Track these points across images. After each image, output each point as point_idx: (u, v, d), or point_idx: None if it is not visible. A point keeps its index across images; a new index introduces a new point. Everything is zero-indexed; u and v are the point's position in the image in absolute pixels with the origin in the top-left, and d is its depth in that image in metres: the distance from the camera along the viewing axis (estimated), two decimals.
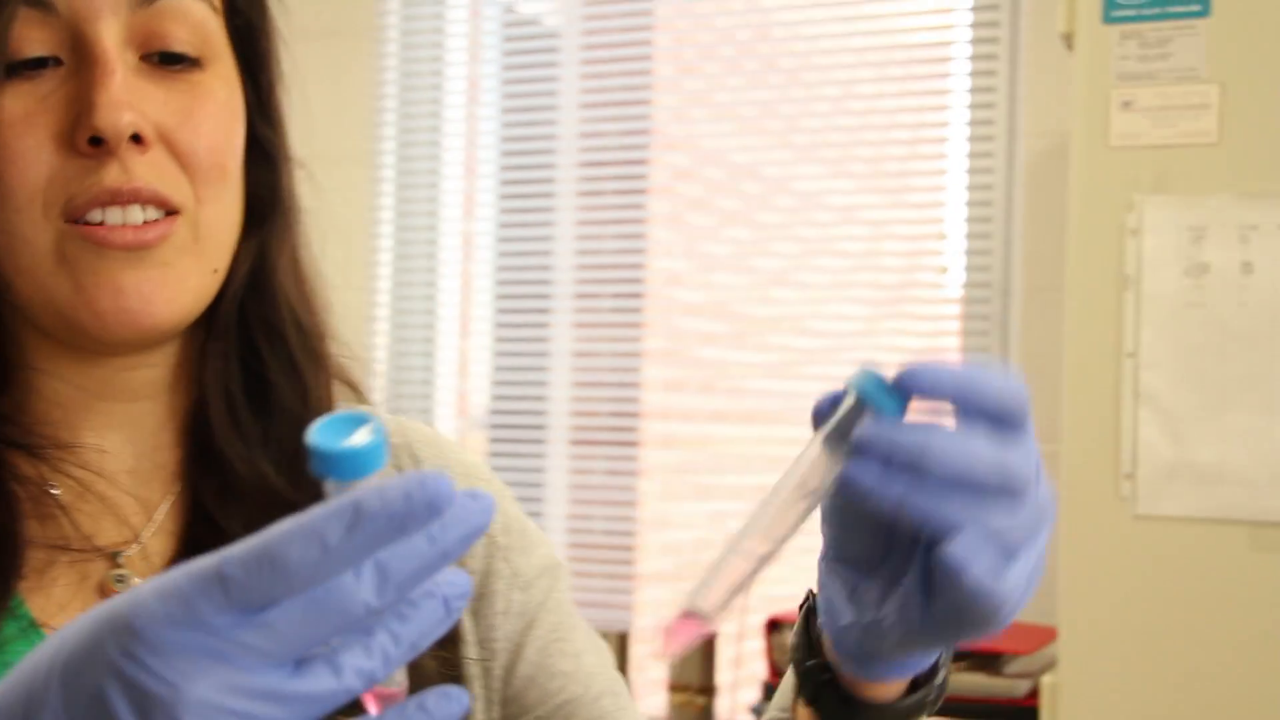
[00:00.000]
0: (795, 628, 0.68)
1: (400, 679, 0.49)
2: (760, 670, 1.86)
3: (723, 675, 1.96)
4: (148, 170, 0.67)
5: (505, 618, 0.80)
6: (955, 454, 0.53)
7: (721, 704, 1.96)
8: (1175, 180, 1.56)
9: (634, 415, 2.49)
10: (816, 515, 0.58)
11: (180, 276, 0.68)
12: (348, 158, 2.52)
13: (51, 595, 0.69)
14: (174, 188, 0.68)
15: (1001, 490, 0.54)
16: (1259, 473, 1.52)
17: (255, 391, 0.75)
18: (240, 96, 0.72)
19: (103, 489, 0.72)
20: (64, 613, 0.69)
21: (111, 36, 0.66)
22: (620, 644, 1.94)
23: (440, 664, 0.74)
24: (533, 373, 2.50)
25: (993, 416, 0.54)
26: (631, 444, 2.47)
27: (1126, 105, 1.59)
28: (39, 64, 0.66)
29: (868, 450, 0.53)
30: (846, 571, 0.60)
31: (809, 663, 0.66)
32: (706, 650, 1.90)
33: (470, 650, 0.78)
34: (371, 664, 0.45)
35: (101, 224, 0.66)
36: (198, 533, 0.73)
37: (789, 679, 0.70)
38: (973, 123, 2.21)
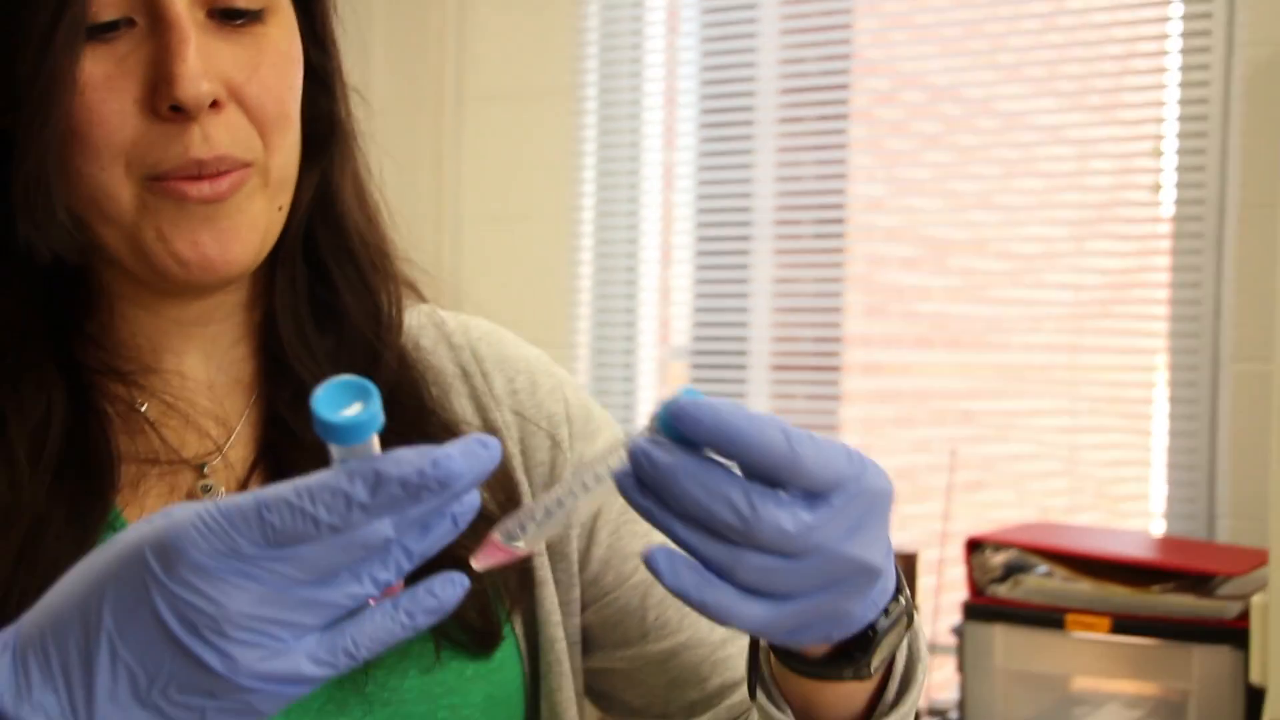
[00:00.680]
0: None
1: None
2: (961, 592, 1.87)
3: (924, 600, 1.97)
4: (224, 132, 0.70)
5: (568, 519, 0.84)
6: (694, 495, 0.53)
7: (924, 627, 1.98)
8: None
9: (835, 340, 2.50)
10: None
11: (252, 221, 0.72)
12: (550, 91, 2.58)
13: (145, 506, 0.74)
14: (247, 145, 0.71)
15: (747, 540, 0.54)
16: None
17: (322, 309, 0.79)
18: (297, 34, 0.75)
19: (185, 405, 0.77)
20: None
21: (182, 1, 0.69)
22: None
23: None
24: (734, 299, 2.53)
25: (766, 471, 0.54)
26: (833, 369, 2.49)
27: None
28: (113, 26, 0.68)
29: (636, 463, 0.55)
30: None
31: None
32: (907, 570, 1.92)
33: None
34: (388, 574, 0.52)
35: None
36: (274, 439, 0.78)
37: None
38: (1187, 34, 2.13)
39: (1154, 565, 1.76)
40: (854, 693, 0.67)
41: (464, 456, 0.51)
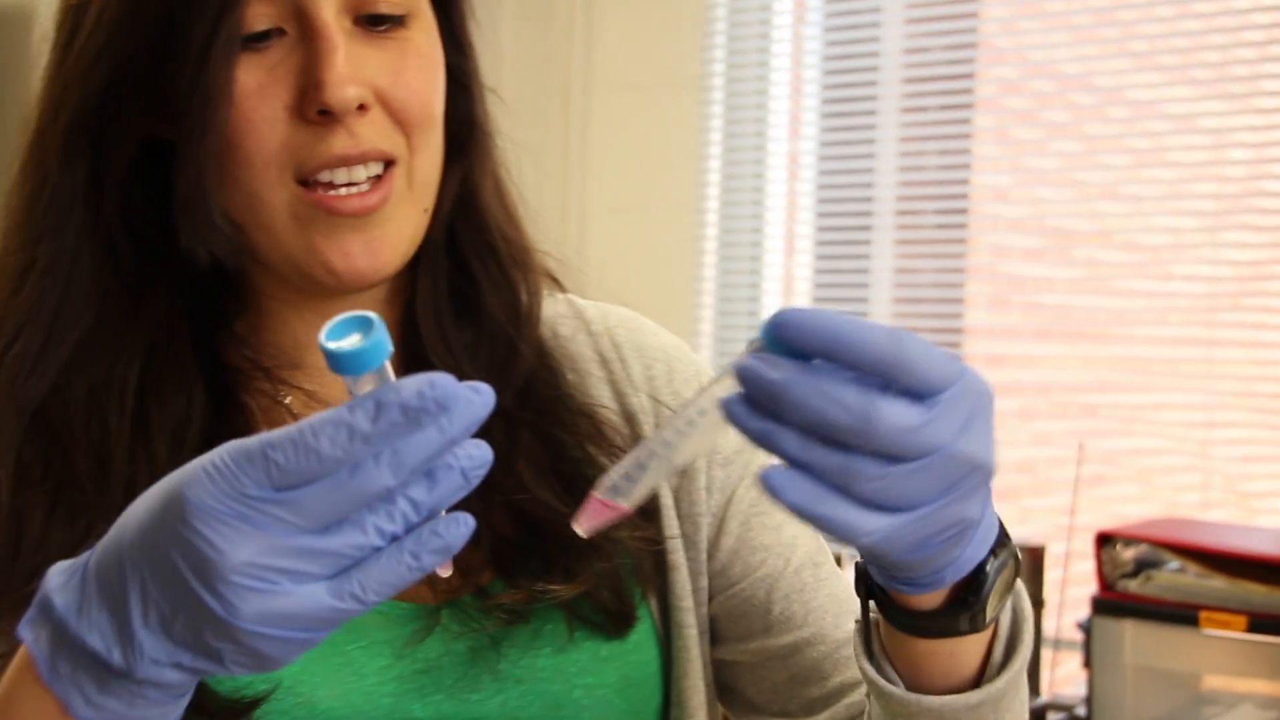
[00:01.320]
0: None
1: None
2: (1087, 587, 1.86)
3: (1051, 594, 1.96)
4: (369, 130, 0.72)
5: (707, 493, 0.83)
6: (809, 401, 0.52)
7: (1049, 621, 1.96)
8: None
9: (957, 331, 2.48)
10: None
11: (399, 227, 0.74)
12: (676, 81, 2.59)
13: None
14: (391, 142, 0.73)
15: (866, 443, 0.52)
16: None
17: (462, 303, 0.81)
18: (438, 38, 0.76)
19: (326, 396, 0.78)
20: None
21: (330, 9, 0.71)
22: None
23: (642, 540, 0.79)
24: (854, 290, 2.53)
25: (878, 374, 0.53)
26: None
27: None
28: (265, 36, 0.71)
29: (742, 381, 0.53)
30: None
31: (855, 560, 0.66)
32: (1034, 564, 1.91)
33: (672, 525, 0.81)
34: (393, 526, 0.52)
35: (330, 184, 0.72)
36: None
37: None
38: None
39: None
40: (964, 654, 0.66)
41: (461, 388, 0.51)
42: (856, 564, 0.66)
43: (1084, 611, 1.84)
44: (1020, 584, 0.66)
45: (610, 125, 2.63)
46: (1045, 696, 1.93)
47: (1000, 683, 0.66)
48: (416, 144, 0.74)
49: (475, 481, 0.53)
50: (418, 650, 0.74)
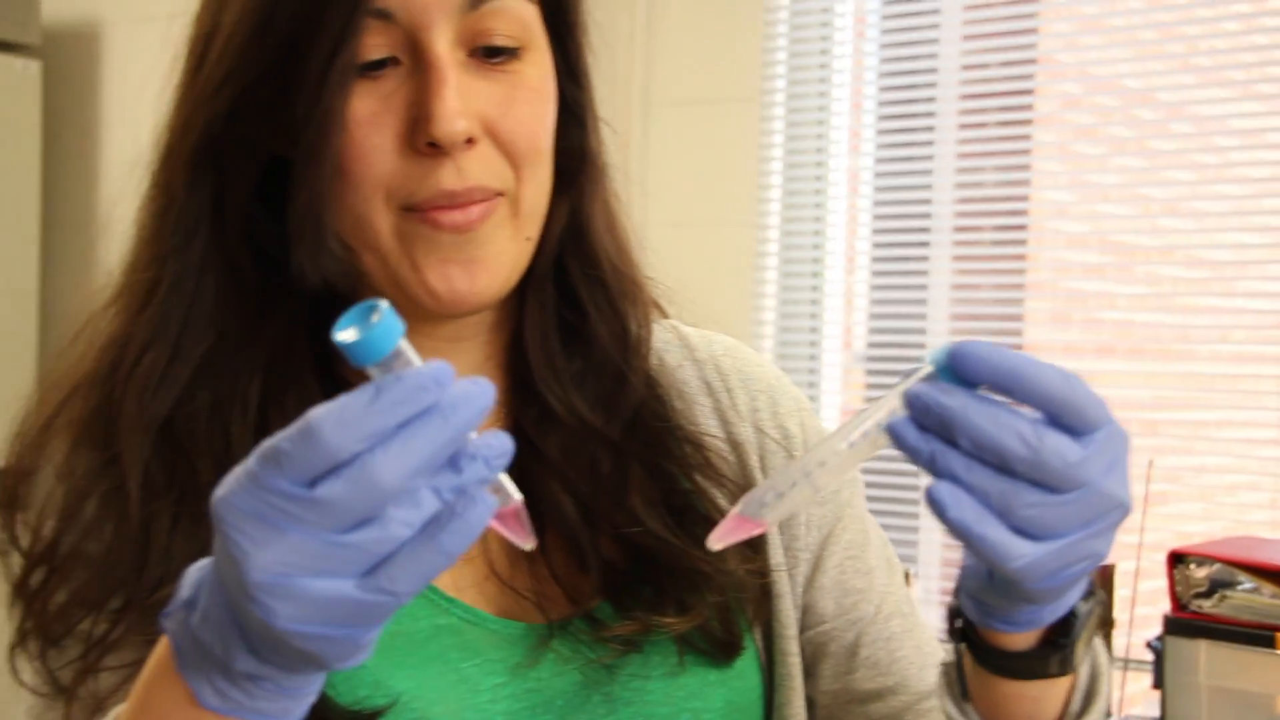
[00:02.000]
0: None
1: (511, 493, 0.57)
2: (1157, 606, 1.83)
3: (1120, 612, 1.94)
4: (477, 165, 0.72)
5: (806, 529, 0.84)
6: (984, 427, 0.55)
7: (1118, 640, 1.94)
8: None
9: (1017, 348, 2.46)
10: None
11: (499, 252, 0.74)
12: (737, 97, 2.59)
13: None
14: (498, 177, 0.73)
15: (1031, 472, 0.55)
16: None
17: (570, 333, 0.81)
18: (552, 72, 0.76)
19: None
20: None
21: (444, 42, 0.71)
22: None
23: (751, 572, 0.80)
24: (913, 305, 2.52)
25: (1044, 408, 0.56)
26: None
27: None
28: (380, 65, 0.72)
29: (913, 405, 0.56)
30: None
31: (949, 602, 0.68)
32: (1105, 582, 1.89)
33: (778, 555, 0.83)
34: (420, 513, 0.52)
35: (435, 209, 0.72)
36: (520, 455, 0.79)
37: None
38: None
39: None
40: (1046, 700, 0.68)
41: (461, 380, 0.53)
42: (950, 605, 0.68)
43: (1152, 630, 1.82)
44: (1098, 638, 0.69)
45: (671, 140, 2.63)
46: (1115, 717, 1.91)
47: None
48: (524, 176, 0.74)
49: (498, 468, 0.54)
50: (530, 671, 0.75)
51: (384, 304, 0.53)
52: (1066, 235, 2.49)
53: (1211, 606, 1.75)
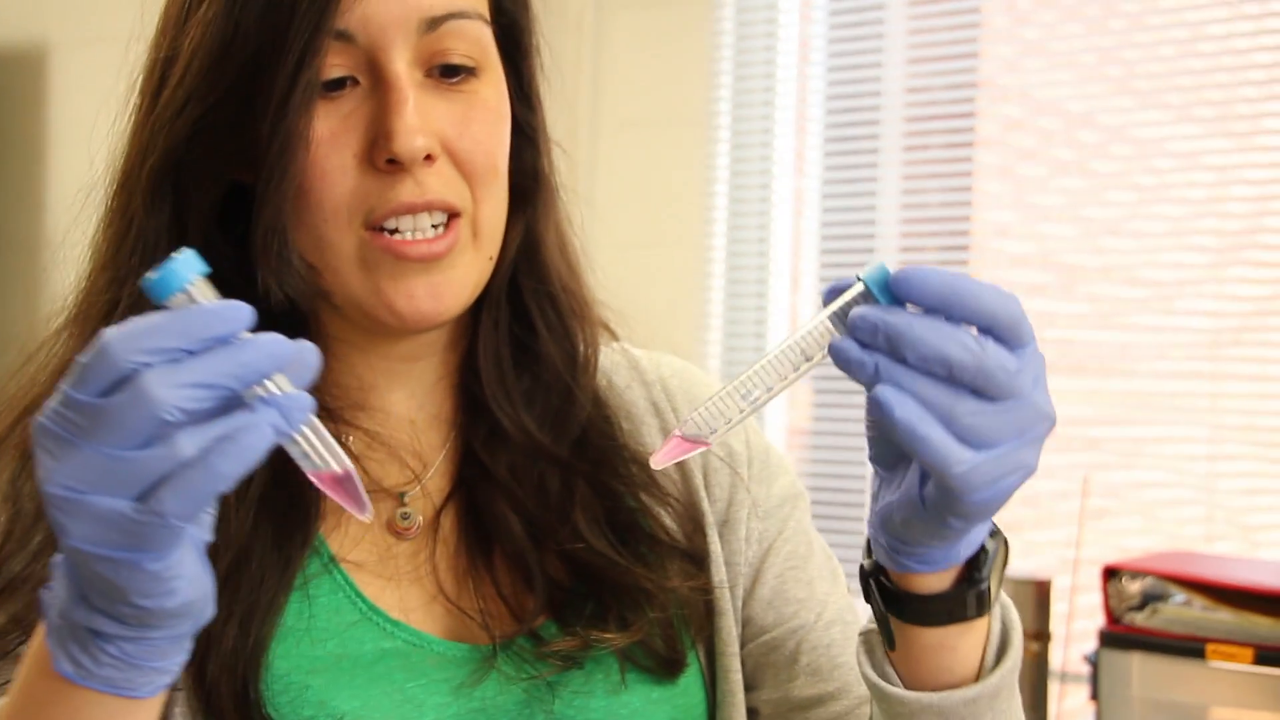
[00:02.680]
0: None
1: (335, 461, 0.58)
2: (1093, 620, 1.86)
3: (1057, 626, 1.97)
4: (436, 181, 0.74)
5: (747, 544, 0.85)
6: (929, 339, 0.57)
7: (1055, 653, 1.97)
8: None
9: None
10: None
11: (464, 275, 0.76)
12: (684, 120, 2.62)
13: (347, 533, 0.78)
14: (457, 194, 0.75)
15: (974, 384, 0.58)
16: None
17: (521, 352, 0.82)
18: (505, 92, 0.78)
19: (388, 438, 0.81)
20: (358, 547, 0.78)
21: (402, 61, 0.73)
22: None
23: (694, 589, 0.81)
24: None
25: (983, 324, 0.58)
26: None
27: None
28: (339, 85, 0.73)
29: (857, 326, 0.58)
30: (878, 472, 0.66)
31: (862, 563, 0.70)
32: (1040, 597, 1.91)
33: (720, 572, 0.84)
34: (201, 438, 0.52)
35: (396, 231, 0.74)
36: (469, 474, 0.81)
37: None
38: None
39: None
40: (963, 650, 0.69)
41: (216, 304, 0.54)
42: (862, 566, 0.69)
43: (1090, 644, 1.85)
44: (1006, 595, 0.71)
45: (618, 162, 2.65)
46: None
47: (994, 679, 0.69)
48: (480, 195, 0.76)
49: (297, 419, 0.54)
50: (474, 690, 0.76)
51: (185, 251, 0.55)
52: (1009, 255, 2.53)
53: (1144, 620, 1.78)
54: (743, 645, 0.85)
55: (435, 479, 0.82)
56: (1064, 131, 2.46)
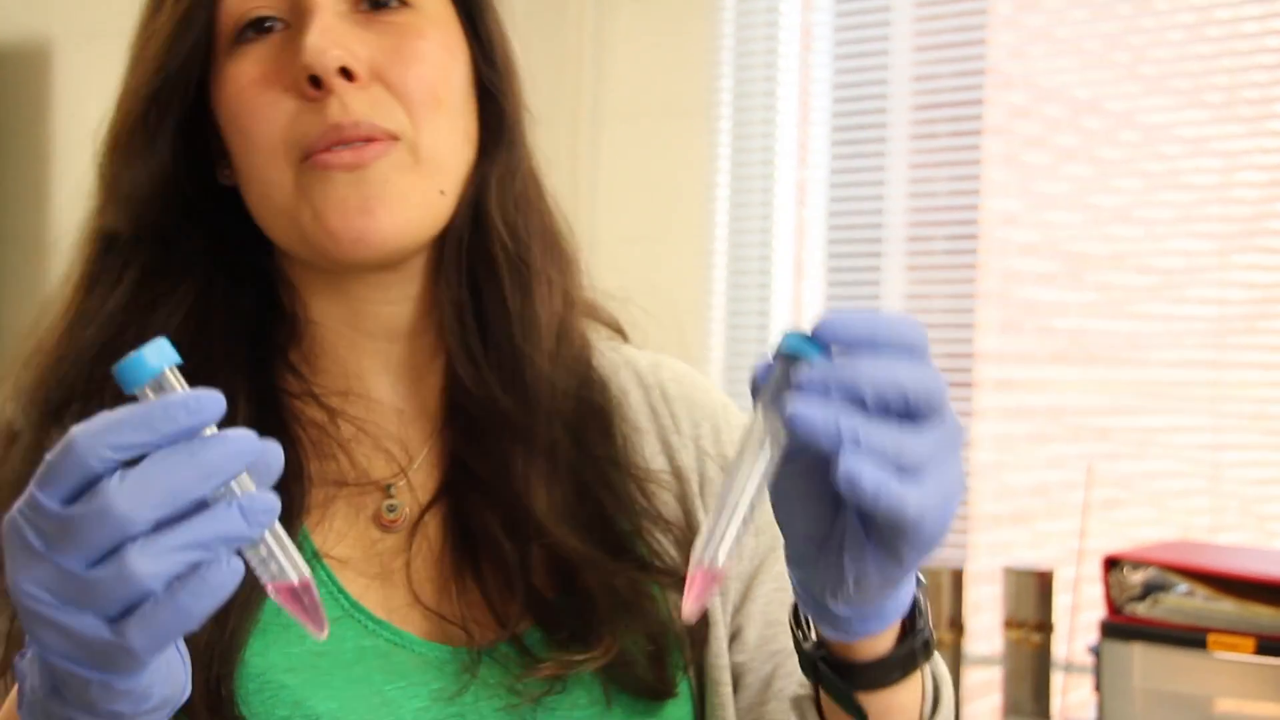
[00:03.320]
0: (790, 625, 0.70)
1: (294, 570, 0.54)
2: (1100, 610, 1.84)
3: (1059, 618, 1.95)
4: (363, 103, 0.73)
5: (739, 559, 0.84)
6: (882, 373, 0.56)
7: (1058, 644, 1.95)
8: None
9: (968, 356, 2.48)
10: None
11: (401, 193, 0.74)
12: (685, 110, 2.61)
13: (332, 528, 0.77)
14: (389, 117, 0.74)
15: (924, 406, 0.56)
16: None
17: (482, 319, 0.81)
18: (459, 40, 0.78)
19: (374, 429, 0.80)
20: (343, 542, 0.77)
21: None
22: (955, 582, 1.96)
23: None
24: None
25: (902, 349, 0.57)
26: (966, 385, 2.47)
27: None
28: (266, 29, 0.74)
29: (806, 386, 0.55)
30: (803, 551, 0.62)
31: (804, 645, 0.68)
32: (1043, 587, 1.90)
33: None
34: (163, 564, 0.49)
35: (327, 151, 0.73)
36: (454, 476, 0.80)
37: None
38: None
39: None
40: (909, 708, 0.69)
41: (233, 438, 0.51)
42: (806, 652, 0.68)
43: (1095, 636, 1.83)
44: (937, 656, 0.71)
45: (620, 153, 2.65)
46: None
47: None
48: (420, 121, 0.75)
49: (258, 524, 0.51)
50: (454, 697, 0.75)
51: (157, 341, 0.52)
52: (1017, 243, 2.51)
53: (1145, 610, 1.76)
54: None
55: (422, 472, 0.81)
56: (1071, 118, 2.44)
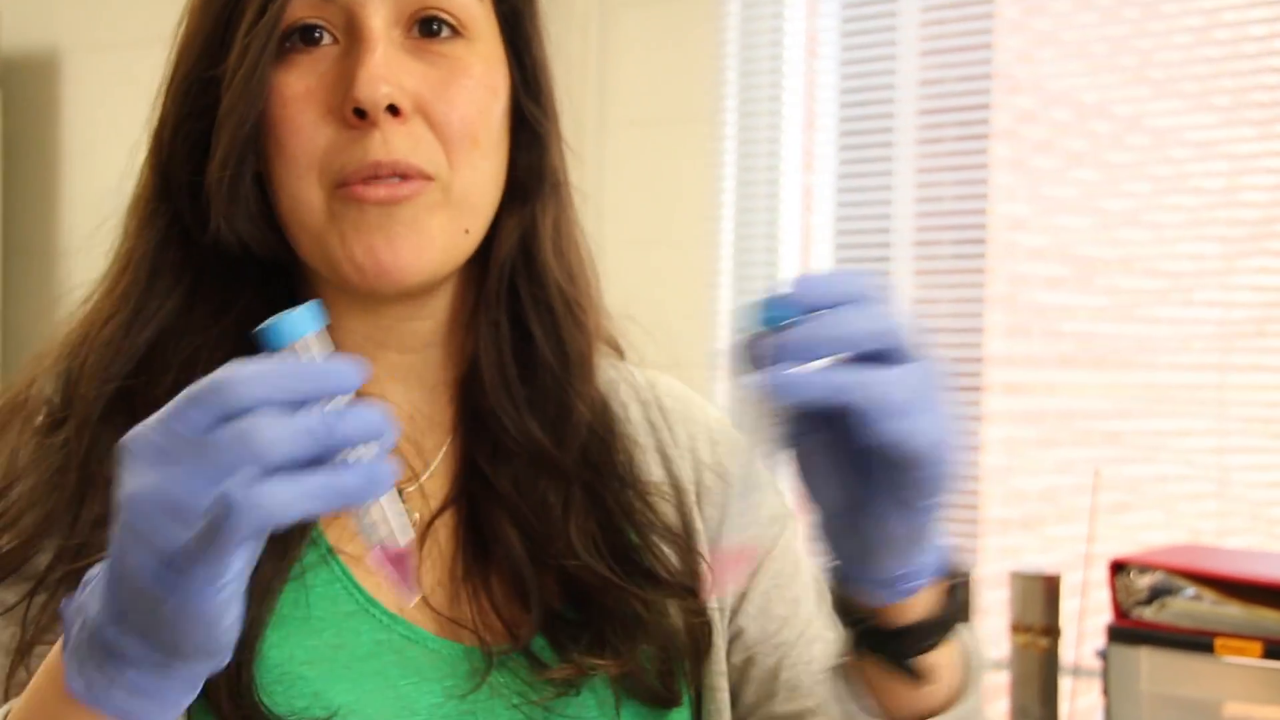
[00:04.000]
0: (829, 601, 0.72)
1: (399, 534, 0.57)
2: (1106, 615, 1.84)
3: (1066, 622, 1.94)
4: (404, 141, 0.73)
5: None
6: (861, 320, 0.58)
7: (1066, 649, 1.95)
8: None
9: (976, 361, 2.48)
10: None
11: (428, 234, 0.74)
12: (690, 117, 2.61)
13: (345, 525, 0.77)
14: (427, 157, 0.73)
15: (890, 350, 0.58)
16: None
17: (523, 357, 0.81)
18: (503, 75, 0.77)
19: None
20: (356, 540, 0.75)
21: (379, 18, 0.73)
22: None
23: (690, 613, 0.80)
24: None
25: (860, 301, 0.59)
26: (974, 389, 2.47)
27: None
28: (316, 41, 0.73)
29: (789, 345, 0.57)
30: (834, 523, 0.64)
31: (848, 618, 0.69)
32: (1050, 592, 1.89)
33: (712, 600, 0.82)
34: (289, 493, 0.51)
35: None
36: (468, 479, 0.80)
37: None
38: None
39: None
40: (947, 670, 0.70)
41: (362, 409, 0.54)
42: (854, 633, 0.69)
43: (1103, 640, 1.82)
44: (972, 639, 0.72)
45: (625, 160, 2.65)
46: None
47: (971, 701, 0.71)
48: (457, 161, 0.75)
49: (380, 487, 0.54)
50: (466, 696, 0.75)
51: (309, 304, 0.56)
52: (1025, 248, 2.51)
53: (1152, 614, 1.76)
54: (727, 659, 0.85)
55: (434, 480, 0.81)
56: (1078, 122, 2.43)
